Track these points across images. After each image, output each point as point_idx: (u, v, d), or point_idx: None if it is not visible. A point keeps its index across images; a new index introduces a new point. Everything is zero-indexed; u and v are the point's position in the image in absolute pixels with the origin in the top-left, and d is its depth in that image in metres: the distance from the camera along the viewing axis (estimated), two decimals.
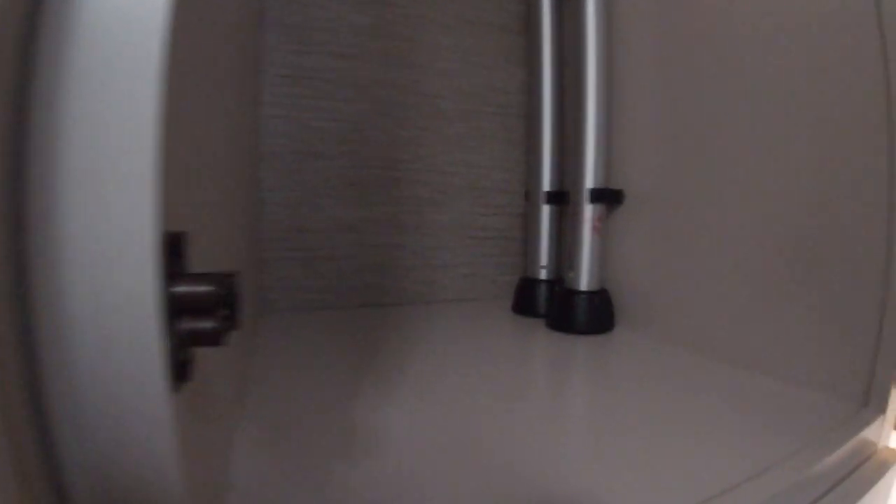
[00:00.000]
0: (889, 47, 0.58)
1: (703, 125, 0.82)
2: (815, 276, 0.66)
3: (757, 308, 0.73)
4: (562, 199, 1.07)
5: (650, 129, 0.93)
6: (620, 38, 0.99)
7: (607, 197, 0.96)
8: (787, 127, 0.69)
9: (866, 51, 0.60)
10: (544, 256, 1.08)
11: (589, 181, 0.94)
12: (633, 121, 0.97)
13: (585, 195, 0.94)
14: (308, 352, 0.81)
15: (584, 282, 0.96)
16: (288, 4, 1.09)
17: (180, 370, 0.22)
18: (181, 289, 0.21)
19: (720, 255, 0.79)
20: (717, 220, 0.80)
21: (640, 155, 0.95)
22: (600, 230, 0.96)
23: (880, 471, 0.56)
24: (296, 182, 1.10)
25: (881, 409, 0.60)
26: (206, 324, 0.21)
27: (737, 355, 0.77)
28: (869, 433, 0.58)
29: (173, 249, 0.21)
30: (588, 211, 0.94)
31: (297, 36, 1.09)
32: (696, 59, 0.83)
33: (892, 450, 0.61)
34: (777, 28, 0.70)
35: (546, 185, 1.08)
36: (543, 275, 1.08)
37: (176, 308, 0.21)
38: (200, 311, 0.21)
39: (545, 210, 1.08)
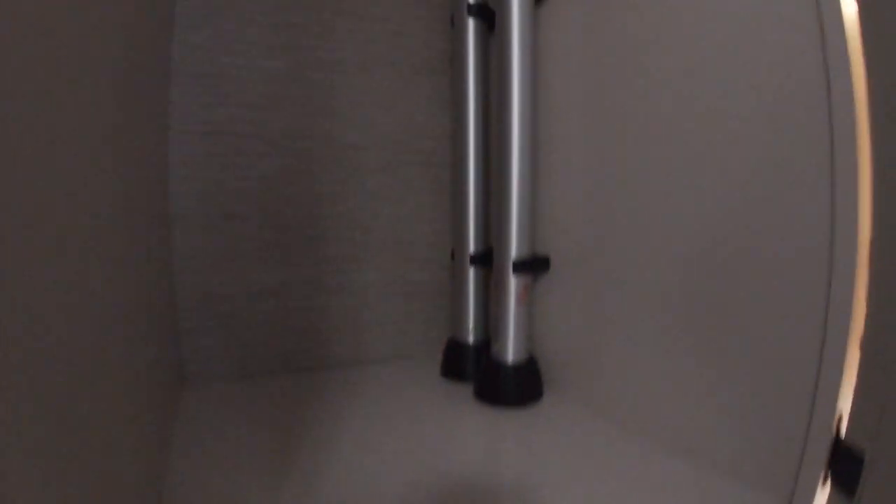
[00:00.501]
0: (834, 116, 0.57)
1: (631, 188, 0.81)
2: (743, 361, 0.65)
3: (681, 386, 0.73)
4: (488, 259, 1.06)
5: (577, 191, 0.92)
6: (547, 87, 0.97)
7: (532, 267, 0.95)
8: (709, 198, 0.69)
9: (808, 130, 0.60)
10: (471, 319, 1.06)
11: (513, 251, 0.93)
12: (559, 182, 0.96)
13: (509, 266, 0.93)
14: (222, 435, 0.76)
15: (511, 353, 0.94)
16: (194, 52, 1.00)
17: None
18: None
19: (645, 325, 0.79)
20: (642, 288, 0.79)
21: (567, 217, 0.94)
22: (526, 300, 0.94)
23: None
24: (210, 246, 1.03)
25: None
26: None
27: (661, 433, 0.76)
28: None
29: None
30: (512, 283, 0.93)
31: (205, 87, 1.01)
32: (624, 119, 0.83)
33: None
34: (706, 92, 0.70)
35: (471, 246, 1.06)
36: (471, 339, 1.06)
37: None
38: None
39: (471, 272, 1.06)
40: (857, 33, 0.52)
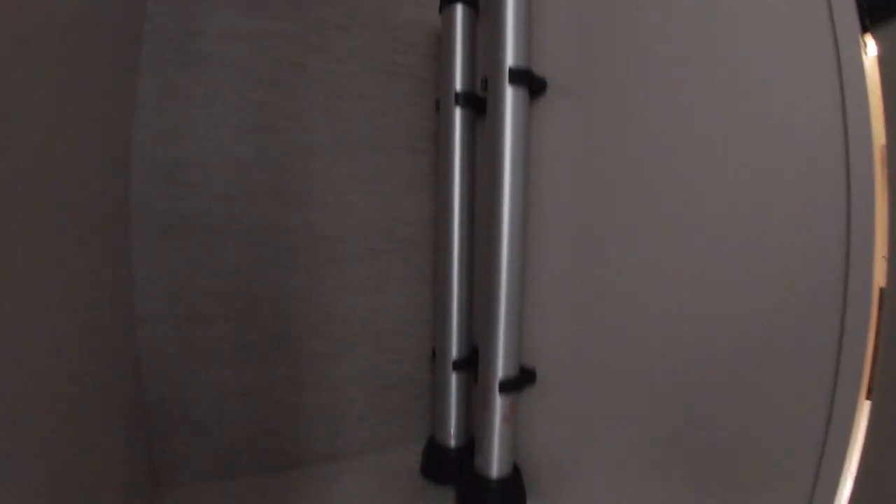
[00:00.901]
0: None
1: (624, 302, 0.77)
2: (737, 496, 0.63)
3: None
4: (472, 362, 1.01)
5: (566, 299, 0.87)
6: (539, 184, 0.92)
7: (519, 384, 0.91)
8: (704, 321, 0.66)
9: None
10: (452, 425, 1.02)
11: (499, 371, 0.89)
12: (548, 287, 0.92)
13: (495, 387, 0.89)
14: None
15: (495, 468, 0.91)
16: (156, 137, 0.92)
17: None
18: None
19: (632, 445, 0.74)
20: (630, 408, 0.75)
21: (555, 326, 0.90)
22: (511, 419, 0.91)
23: None
24: (179, 347, 0.95)
25: None
26: None
27: None
28: None
29: None
30: (498, 402, 0.89)
31: (168, 176, 0.93)
32: (618, 224, 0.79)
33: None
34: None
35: (454, 351, 1.01)
36: (452, 442, 1.03)
37: None
38: None
39: (453, 378, 1.01)
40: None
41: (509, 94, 0.85)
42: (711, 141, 0.63)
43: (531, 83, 0.87)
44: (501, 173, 0.85)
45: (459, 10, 1.00)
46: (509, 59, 0.85)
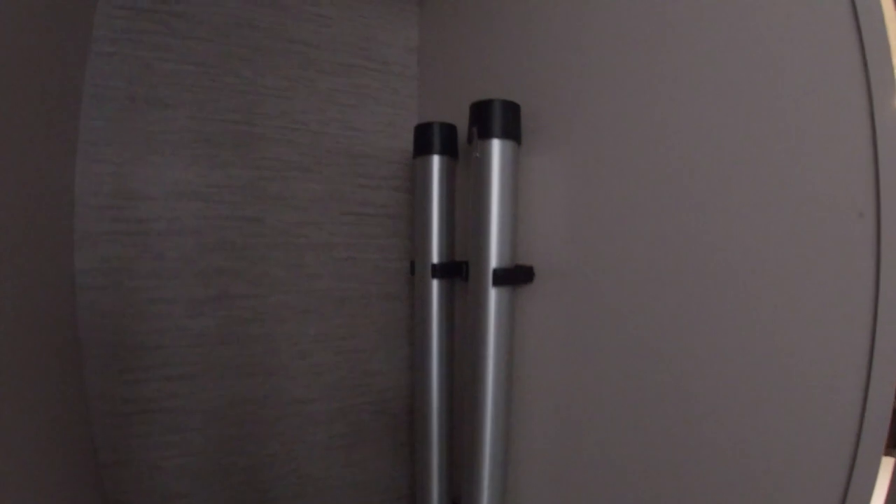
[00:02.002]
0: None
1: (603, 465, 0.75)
2: None
3: None
4: None
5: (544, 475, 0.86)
6: (522, 366, 0.88)
7: None
8: None
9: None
10: None
11: None
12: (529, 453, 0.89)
13: None
14: None
15: None
16: (103, 318, 0.84)
17: None
18: None
19: None
20: None
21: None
22: None
23: None
24: None
25: None
26: None
27: None
28: None
29: None
30: None
31: (122, 360, 0.85)
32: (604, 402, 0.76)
33: None
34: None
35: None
36: None
37: None
38: None
39: None
40: None
41: (493, 294, 0.80)
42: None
43: (517, 278, 0.82)
44: (484, 376, 0.81)
45: (436, 163, 0.92)
46: (493, 262, 0.79)
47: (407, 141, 1.00)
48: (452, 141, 0.92)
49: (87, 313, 0.82)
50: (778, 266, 0.51)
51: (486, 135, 0.78)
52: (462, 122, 0.87)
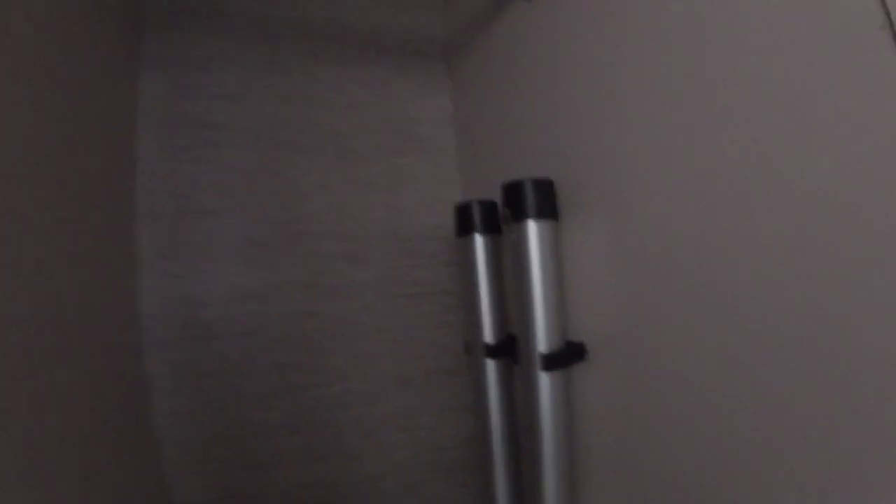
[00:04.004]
0: None
1: None
2: None
3: None
4: None
5: None
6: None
7: None
8: None
9: None
10: None
11: None
12: None
13: None
14: None
15: None
16: (172, 418, 0.89)
17: None
18: None
19: None
20: None
21: None
22: None
23: None
24: None
25: None
26: None
27: None
28: None
29: None
30: None
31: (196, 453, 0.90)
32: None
33: None
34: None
35: None
36: None
37: None
38: None
39: None
40: None
41: (544, 379, 0.77)
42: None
43: (568, 359, 0.78)
44: (542, 459, 0.78)
45: (478, 243, 0.91)
46: (541, 346, 0.76)
47: (452, 214, 1.00)
48: (493, 218, 0.90)
49: (161, 414, 0.87)
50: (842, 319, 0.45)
51: (520, 217, 0.76)
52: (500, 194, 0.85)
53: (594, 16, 0.74)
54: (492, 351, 0.89)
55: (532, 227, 0.75)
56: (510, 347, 0.89)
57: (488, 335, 0.89)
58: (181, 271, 0.91)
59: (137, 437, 0.80)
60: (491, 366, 0.90)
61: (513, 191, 0.76)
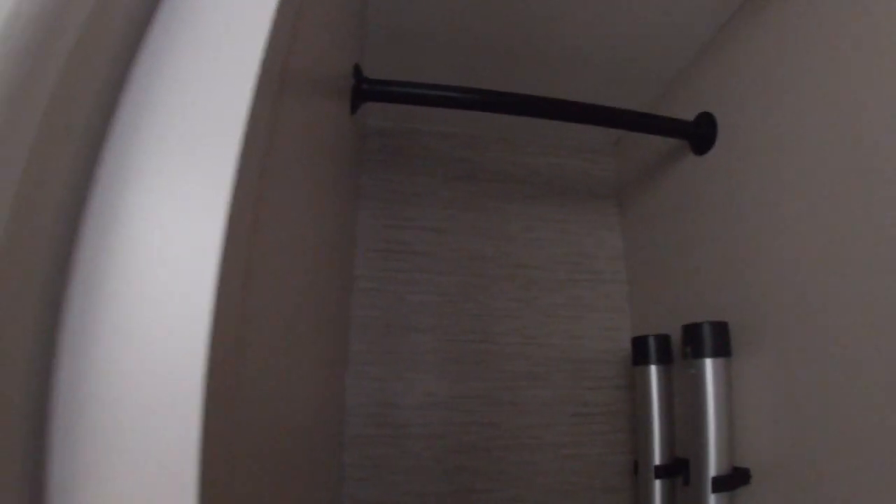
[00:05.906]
0: None
1: None
2: None
3: None
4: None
5: None
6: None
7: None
8: None
9: None
10: None
11: None
12: None
13: None
14: None
15: None
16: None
17: None
18: None
19: None
20: None
21: None
22: None
23: None
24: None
25: None
26: None
27: None
28: None
29: None
30: None
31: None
32: None
33: None
34: None
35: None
36: None
37: None
38: None
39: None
40: None
41: (712, 500, 0.86)
42: None
43: (734, 482, 0.87)
44: None
45: (653, 373, 1.05)
46: (712, 470, 0.87)
47: (623, 341, 1.16)
48: (667, 350, 1.05)
49: (350, 500, 1.04)
50: None
51: (698, 354, 0.91)
52: (672, 328, 1.00)
53: (762, 167, 0.88)
54: (660, 471, 1.00)
55: (709, 365, 0.89)
56: (677, 469, 0.99)
57: (657, 457, 1.01)
58: (383, 376, 1.12)
59: None
60: (658, 486, 1.00)
61: (693, 332, 0.92)
